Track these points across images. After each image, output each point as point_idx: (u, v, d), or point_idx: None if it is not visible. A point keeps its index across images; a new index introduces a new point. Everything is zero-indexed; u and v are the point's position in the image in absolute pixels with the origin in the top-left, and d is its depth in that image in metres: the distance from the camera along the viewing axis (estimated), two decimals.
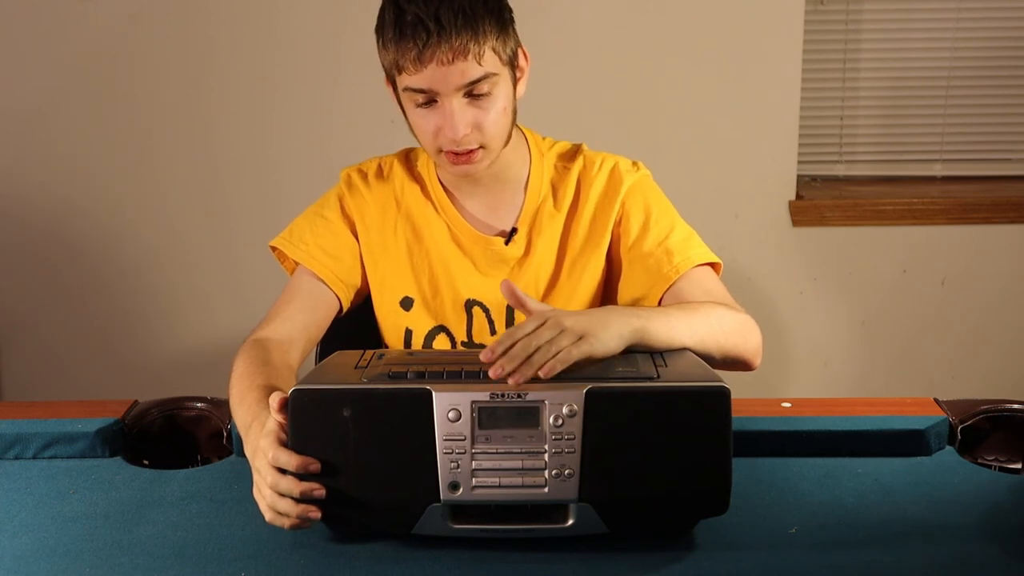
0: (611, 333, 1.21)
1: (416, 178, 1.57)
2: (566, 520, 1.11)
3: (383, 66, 1.42)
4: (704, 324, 1.34)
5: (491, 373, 1.11)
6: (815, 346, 2.80)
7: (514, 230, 1.54)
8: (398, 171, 1.57)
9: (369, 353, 1.23)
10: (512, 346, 1.14)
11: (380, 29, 1.39)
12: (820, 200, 2.67)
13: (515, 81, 1.45)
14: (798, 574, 1.10)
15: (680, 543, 1.15)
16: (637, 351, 1.24)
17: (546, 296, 1.54)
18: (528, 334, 1.15)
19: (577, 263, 1.54)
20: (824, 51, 2.67)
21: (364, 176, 1.57)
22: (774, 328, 2.78)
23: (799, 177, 2.68)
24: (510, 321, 1.54)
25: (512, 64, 1.42)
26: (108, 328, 2.74)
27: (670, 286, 1.47)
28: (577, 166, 1.56)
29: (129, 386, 2.59)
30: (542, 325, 1.17)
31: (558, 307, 1.40)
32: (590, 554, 1.12)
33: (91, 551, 1.16)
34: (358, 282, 1.57)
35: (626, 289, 1.52)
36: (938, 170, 2.79)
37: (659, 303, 1.47)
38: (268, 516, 1.14)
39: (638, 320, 1.26)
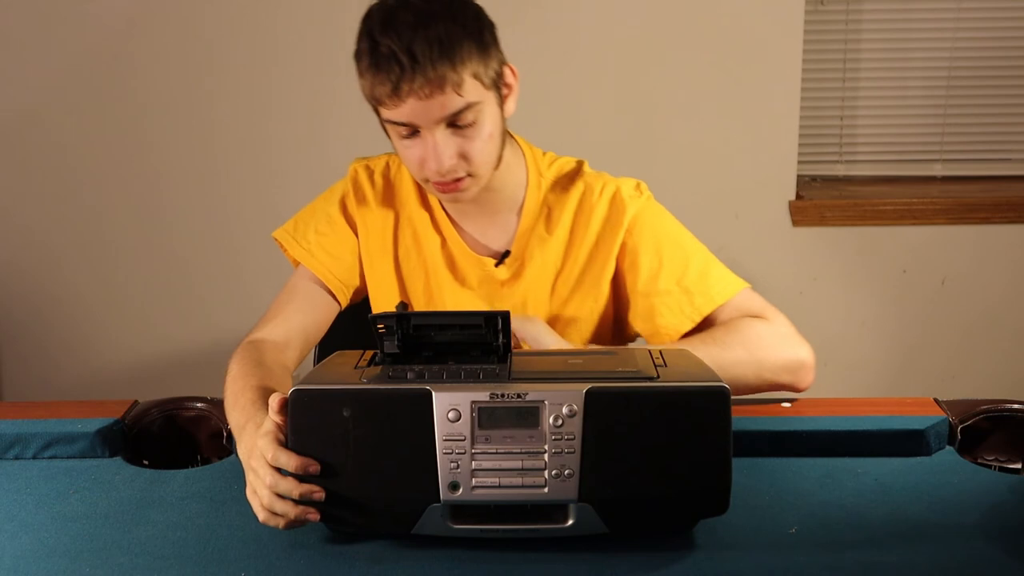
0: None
1: (420, 185, 1.53)
2: (566, 520, 1.11)
3: (363, 94, 1.37)
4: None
5: None
6: (815, 346, 2.78)
7: (507, 253, 1.51)
8: (405, 174, 1.54)
9: (369, 353, 1.23)
10: None
11: (357, 57, 1.34)
12: (820, 200, 2.67)
13: (501, 102, 1.39)
14: (798, 574, 1.10)
15: (680, 543, 1.15)
16: (638, 350, 1.24)
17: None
18: None
19: (576, 292, 1.51)
20: (824, 51, 2.68)
21: (371, 175, 1.55)
22: None
23: (799, 177, 2.69)
24: None
25: (497, 85, 1.37)
26: (108, 328, 2.74)
27: (697, 325, 1.46)
28: (577, 191, 1.51)
29: (129, 386, 2.59)
30: None
31: (555, 332, 1.44)
32: (590, 554, 1.12)
33: (91, 551, 1.16)
34: (357, 282, 1.56)
35: (642, 322, 1.49)
36: (938, 170, 2.79)
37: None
38: (262, 516, 1.14)
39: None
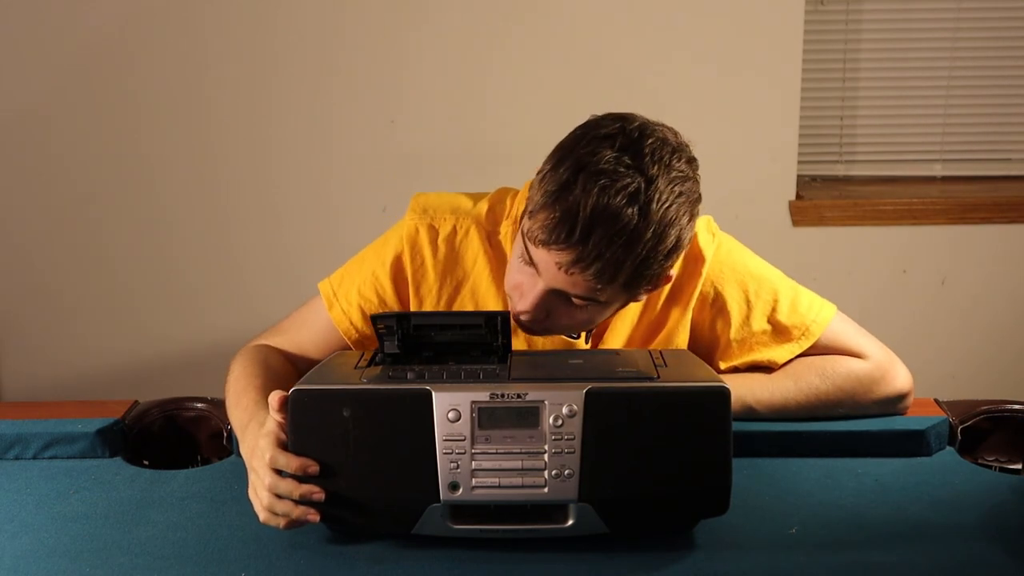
0: None
1: (495, 249, 1.40)
2: (566, 520, 1.11)
3: (529, 190, 1.25)
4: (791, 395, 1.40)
5: None
6: None
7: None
8: (473, 241, 1.40)
9: (369, 353, 1.23)
10: None
11: (552, 161, 1.21)
12: (820, 200, 2.67)
13: (637, 297, 1.29)
14: (798, 574, 1.10)
15: (680, 543, 1.15)
16: (638, 351, 1.24)
17: None
18: None
19: (648, 342, 1.43)
20: (824, 51, 2.67)
21: (433, 239, 1.40)
22: None
23: (799, 177, 2.69)
24: None
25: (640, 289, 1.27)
26: (109, 328, 2.74)
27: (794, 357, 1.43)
28: None
29: (129, 386, 2.59)
30: None
31: None
32: (590, 554, 1.12)
33: (91, 551, 1.16)
34: None
35: (738, 363, 1.44)
36: (938, 170, 2.79)
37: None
38: (262, 516, 1.14)
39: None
